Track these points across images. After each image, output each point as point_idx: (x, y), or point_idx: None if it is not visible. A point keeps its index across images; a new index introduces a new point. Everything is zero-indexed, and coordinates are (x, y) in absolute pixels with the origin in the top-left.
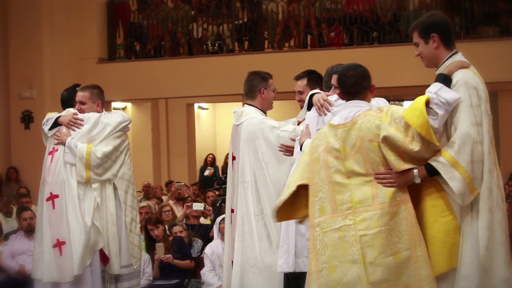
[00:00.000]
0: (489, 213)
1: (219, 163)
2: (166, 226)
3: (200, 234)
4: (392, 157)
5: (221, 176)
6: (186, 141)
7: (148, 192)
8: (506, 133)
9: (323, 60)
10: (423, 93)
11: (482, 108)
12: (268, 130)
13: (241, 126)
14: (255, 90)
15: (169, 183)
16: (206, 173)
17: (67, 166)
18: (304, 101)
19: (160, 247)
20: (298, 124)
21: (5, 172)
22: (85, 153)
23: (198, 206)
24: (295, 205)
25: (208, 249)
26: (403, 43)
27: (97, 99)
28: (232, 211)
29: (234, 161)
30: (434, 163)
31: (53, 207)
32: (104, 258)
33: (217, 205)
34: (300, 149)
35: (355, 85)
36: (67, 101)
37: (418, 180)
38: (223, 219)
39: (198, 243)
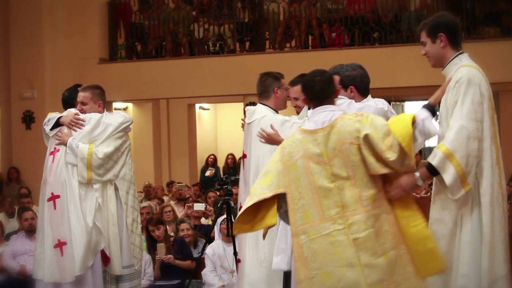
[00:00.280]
0: (490, 209)
1: (220, 163)
2: (168, 227)
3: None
4: (372, 159)
5: (222, 176)
6: (187, 142)
7: (149, 192)
8: (507, 133)
9: (324, 60)
10: (424, 94)
11: (484, 106)
12: (280, 124)
13: (253, 124)
14: (268, 90)
15: (170, 184)
16: (207, 173)
17: (68, 166)
18: (300, 107)
19: (161, 247)
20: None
21: (6, 172)
22: (86, 154)
23: (199, 207)
24: (256, 217)
25: (209, 249)
26: (404, 44)
27: (99, 99)
28: None
29: (245, 159)
30: (431, 158)
31: (54, 208)
32: (105, 259)
33: (218, 205)
34: None
35: (323, 91)
36: (68, 101)
37: (421, 183)
38: (224, 219)
39: (203, 243)
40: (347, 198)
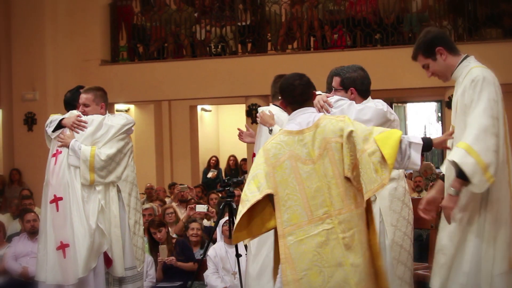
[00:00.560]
0: (496, 207)
1: (222, 165)
2: (170, 229)
3: None
4: (347, 160)
5: (224, 178)
6: (189, 143)
7: (150, 194)
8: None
9: (326, 62)
10: (426, 95)
11: (499, 104)
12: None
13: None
14: None
15: (172, 185)
16: (209, 175)
17: (71, 168)
18: None
19: (163, 249)
20: None
21: (8, 174)
22: (89, 156)
23: (201, 208)
24: (251, 222)
25: (211, 251)
26: (406, 45)
27: (101, 101)
28: None
29: (254, 158)
30: (450, 156)
31: (57, 210)
32: (108, 261)
33: (220, 207)
34: None
35: (303, 94)
36: (70, 102)
37: (453, 193)
38: (226, 221)
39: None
40: (334, 197)
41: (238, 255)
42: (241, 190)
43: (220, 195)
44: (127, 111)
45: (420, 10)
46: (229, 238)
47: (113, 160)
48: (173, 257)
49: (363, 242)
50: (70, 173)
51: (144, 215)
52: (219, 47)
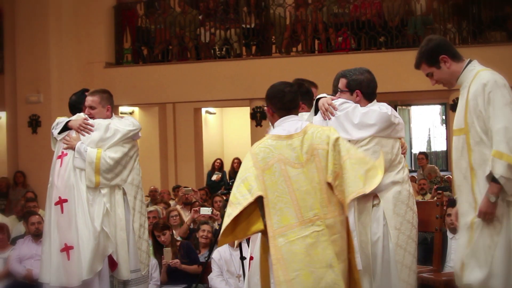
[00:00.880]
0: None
1: (227, 167)
2: (174, 231)
3: None
4: (331, 167)
5: (228, 180)
6: (194, 146)
7: (155, 196)
8: None
9: (330, 65)
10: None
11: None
12: None
13: None
14: None
15: (176, 188)
16: (214, 177)
17: (76, 170)
18: None
19: (167, 252)
20: None
21: (12, 176)
22: (95, 158)
23: (205, 211)
24: (237, 225)
25: (215, 254)
26: (410, 48)
27: (107, 103)
28: None
29: None
30: (496, 171)
31: (62, 212)
32: (112, 264)
33: (225, 210)
34: None
35: (292, 101)
36: (76, 105)
37: (493, 199)
38: None
39: None
40: (321, 202)
41: (242, 258)
42: None
43: (224, 197)
44: (131, 113)
45: (425, 13)
46: None
47: (119, 163)
48: (178, 260)
49: (344, 250)
50: (76, 175)
51: (148, 218)
52: (224, 49)
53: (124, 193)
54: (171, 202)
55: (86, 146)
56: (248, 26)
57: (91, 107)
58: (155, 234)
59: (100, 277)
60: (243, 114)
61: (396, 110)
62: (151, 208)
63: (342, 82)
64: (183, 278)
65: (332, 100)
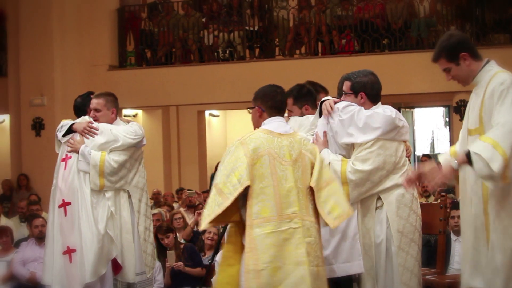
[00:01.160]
0: None
1: None
2: (178, 234)
3: None
4: (316, 172)
5: None
6: (197, 148)
7: (158, 199)
8: None
9: (334, 67)
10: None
11: None
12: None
13: None
14: None
15: (180, 191)
16: None
17: (80, 173)
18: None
19: (171, 254)
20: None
21: (15, 179)
22: (99, 161)
23: None
24: (227, 212)
25: (219, 256)
26: (414, 50)
27: (112, 106)
28: None
29: None
30: (474, 147)
31: (65, 214)
32: (116, 267)
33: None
34: None
35: (283, 102)
36: (81, 108)
37: (456, 166)
38: None
39: None
40: (302, 202)
41: None
42: None
43: None
44: (135, 116)
45: (428, 15)
46: None
47: (123, 166)
48: (181, 263)
49: (318, 257)
50: (80, 178)
51: (152, 221)
52: (227, 52)
53: (129, 196)
54: (175, 205)
55: (90, 149)
56: (251, 28)
57: (96, 110)
58: (159, 237)
59: (104, 280)
60: (246, 116)
61: (399, 112)
62: (155, 210)
63: (347, 85)
64: (186, 281)
65: (335, 102)
